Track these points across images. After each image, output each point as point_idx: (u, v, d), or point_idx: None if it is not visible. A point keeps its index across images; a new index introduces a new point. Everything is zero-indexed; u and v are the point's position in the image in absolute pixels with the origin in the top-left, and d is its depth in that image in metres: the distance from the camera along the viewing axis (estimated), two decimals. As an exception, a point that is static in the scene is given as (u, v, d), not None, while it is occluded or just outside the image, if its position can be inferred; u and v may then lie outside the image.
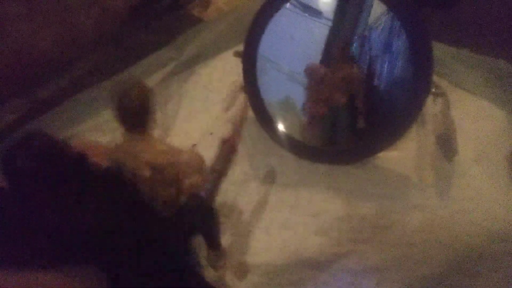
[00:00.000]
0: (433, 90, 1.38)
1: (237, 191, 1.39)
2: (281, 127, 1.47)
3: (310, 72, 1.40)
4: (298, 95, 1.47)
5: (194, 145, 1.57)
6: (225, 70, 1.77)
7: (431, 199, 1.32)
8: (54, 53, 1.89)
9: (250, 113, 1.50)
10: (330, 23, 1.37)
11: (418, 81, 1.24)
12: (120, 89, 1.10)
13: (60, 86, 1.89)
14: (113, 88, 1.12)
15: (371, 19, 1.33)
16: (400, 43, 1.30)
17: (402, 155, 1.42)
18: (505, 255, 1.16)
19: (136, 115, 1.09)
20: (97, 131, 1.66)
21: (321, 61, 1.41)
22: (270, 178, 1.43)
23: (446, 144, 1.41)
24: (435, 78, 1.35)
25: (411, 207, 1.30)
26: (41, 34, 1.82)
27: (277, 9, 1.41)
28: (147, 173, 1.06)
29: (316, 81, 1.38)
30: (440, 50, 1.44)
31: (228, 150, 1.16)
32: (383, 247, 1.23)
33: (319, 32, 1.39)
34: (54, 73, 1.90)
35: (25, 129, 1.65)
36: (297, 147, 1.45)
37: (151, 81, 1.79)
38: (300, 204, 1.35)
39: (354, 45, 1.38)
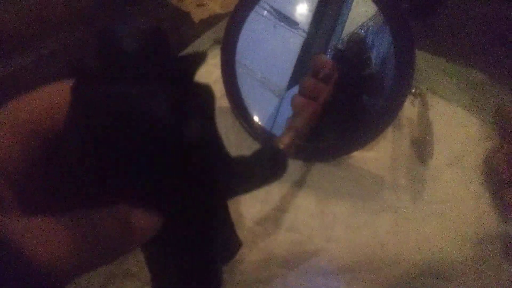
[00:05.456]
0: (413, 90, 1.37)
1: (207, 182, 1.32)
2: (256, 120, 1.42)
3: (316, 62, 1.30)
4: (273, 96, 1.43)
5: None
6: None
7: (404, 201, 1.29)
8: (18, 28, 1.77)
9: (225, 103, 1.44)
10: (305, 35, 1.35)
11: (399, 79, 1.22)
12: None
13: (23, 64, 1.77)
14: None
15: (345, 33, 1.32)
16: (379, 49, 1.28)
17: (378, 156, 1.40)
18: (477, 259, 1.14)
19: None
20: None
21: (294, 72, 1.36)
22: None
23: (422, 147, 1.39)
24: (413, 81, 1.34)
25: (384, 207, 1.27)
26: (5, 7, 1.70)
27: (250, 9, 1.35)
28: None
29: (315, 71, 1.30)
30: (417, 57, 1.44)
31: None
32: (355, 246, 1.19)
33: (294, 42, 1.35)
34: (17, 50, 1.78)
35: None
36: (271, 141, 1.40)
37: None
38: (271, 200, 1.29)
39: (330, 55, 1.34)
